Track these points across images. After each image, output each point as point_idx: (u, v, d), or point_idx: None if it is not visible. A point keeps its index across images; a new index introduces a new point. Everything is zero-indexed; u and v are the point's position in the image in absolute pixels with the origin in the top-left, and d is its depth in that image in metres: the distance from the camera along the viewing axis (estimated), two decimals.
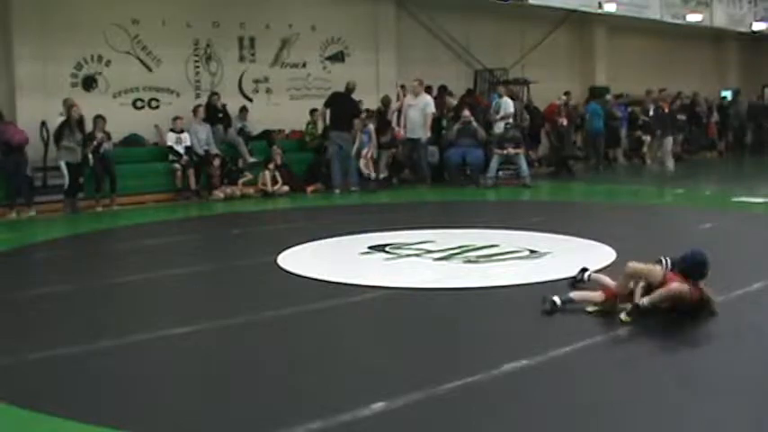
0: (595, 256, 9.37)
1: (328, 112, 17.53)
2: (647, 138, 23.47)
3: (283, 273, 8.93)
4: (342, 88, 17.68)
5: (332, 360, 5.95)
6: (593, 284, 7.38)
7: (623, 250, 9.10)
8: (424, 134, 18.00)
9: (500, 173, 18.24)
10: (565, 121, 21.78)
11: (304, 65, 19.50)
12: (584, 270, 7.37)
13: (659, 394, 5.06)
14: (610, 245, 9.77)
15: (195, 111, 16.80)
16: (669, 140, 21.84)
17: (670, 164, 21.73)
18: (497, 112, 19.24)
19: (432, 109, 18.12)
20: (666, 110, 22.71)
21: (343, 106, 17.29)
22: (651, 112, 22.75)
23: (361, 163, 17.52)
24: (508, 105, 19.29)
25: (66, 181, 14.74)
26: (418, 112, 17.93)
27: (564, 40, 25.39)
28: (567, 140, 22.63)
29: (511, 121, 19.01)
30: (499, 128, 18.78)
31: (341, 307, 7.44)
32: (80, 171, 14.93)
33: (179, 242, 11.84)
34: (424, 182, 18.15)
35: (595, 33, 26.39)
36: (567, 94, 22.83)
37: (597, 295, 7.01)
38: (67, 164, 14.75)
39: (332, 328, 6.84)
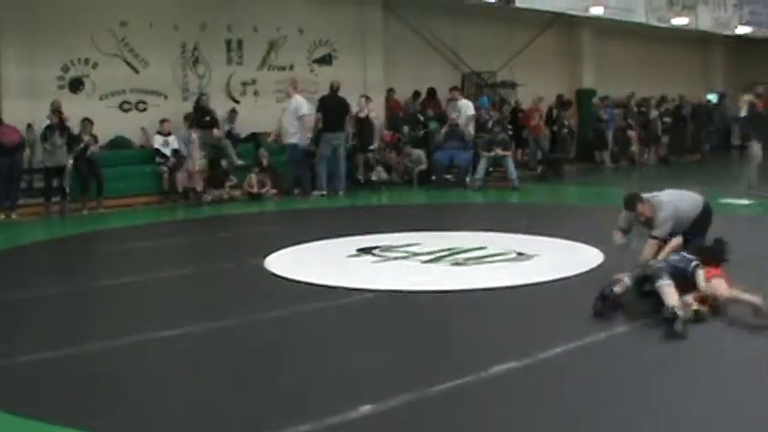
0: (583, 258, 9.41)
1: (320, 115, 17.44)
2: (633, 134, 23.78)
3: (271, 276, 8.91)
4: (339, 91, 17.65)
5: (321, 362, 5.94)
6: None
7: (611, 252, 9.11)
8: (300, 138, 17.02)
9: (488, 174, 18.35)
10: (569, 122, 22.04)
11: (291, 67, 19.48)
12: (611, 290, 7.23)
13: (645, 396, 5.07)
14: (597, 247, 9.77)
15: (186, 118, 16.77)
16: None
17: None
18: (457, 115, 19.01)
19: (304, 111, 16.93)
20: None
21: (335, 107, 17.26)
22: None
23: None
24: (468, 108, 19.00)
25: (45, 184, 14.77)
26: (290, 116, 17.05)
27: (551, 43, 25.44)
28: (562, 143, 22.80)
29: (452, 121, 18.85)
30: (469, 131, 18.73)
31: (329, 309, 7.42)
32: (60, 174, 14.87)
33: (166, 245, 11.80)
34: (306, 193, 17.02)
35: (582, 36, 26.47)
36: (559, 97, 22.98)
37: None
38: (46, 167, 14.74)
39: (320, 331, 6.83)
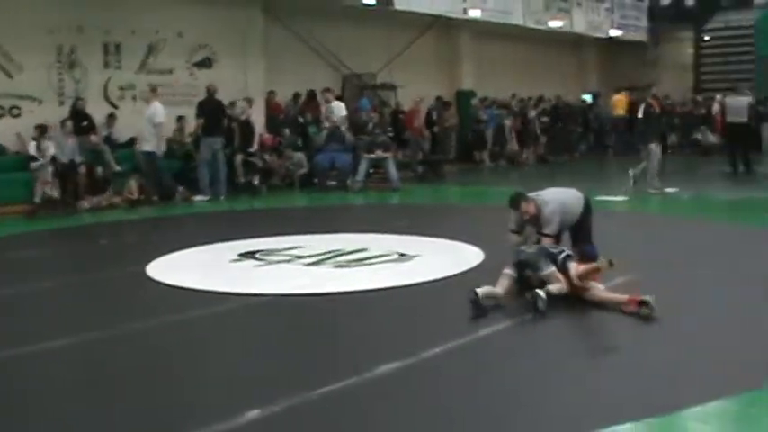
0: (464, 257, 9.59)
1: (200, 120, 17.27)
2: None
3: (153, 283, 8.81)
4: (216, 94, 17.51)
5: (206, 369, 5.93)
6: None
7: (491, 251, 9.31)
8: (155, 146, 16.48)
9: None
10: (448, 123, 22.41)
11: (171, 71, 19.25)
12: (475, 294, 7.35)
13: (520, 392, 5.23)
14: (478, 246, 9.98)
15: (63, 124, 16.40)
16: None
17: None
18: (329, 117, 19.14)
19: (159, 119, 16.44)
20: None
21: (213, 111, 17.12)
22: None
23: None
24: (340, 109, 19.10)
25: None
26: (146, 123, 16.52)
27: (431, 45, 25.71)
28: (442, 143, 23.12)
29: (333, 123, 18.94)
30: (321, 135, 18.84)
31: (213, 315, 7.40)
32: None
33: (43, 255, 11.52)
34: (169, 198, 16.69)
35: (461, 38, 26.80)
36: (438, 99, 23.28)
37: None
38: None
39: (205, 337, 6.80)
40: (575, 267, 7.36)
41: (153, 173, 16.63)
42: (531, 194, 8.63)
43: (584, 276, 7.27)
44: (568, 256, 7.49)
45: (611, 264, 7.13)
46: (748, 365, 5.61)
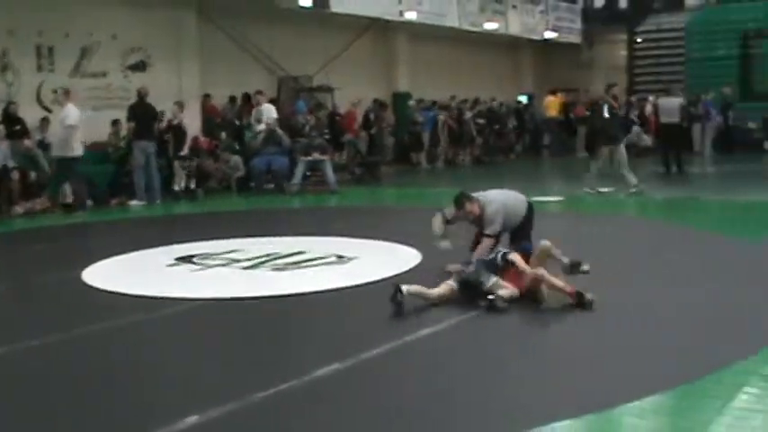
0: (401, 258, 9.65)
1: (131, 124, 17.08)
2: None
3: (90, 288, 8.72)
4: (147, 98, 17.36)
5: (144, 375, 5.89)
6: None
7: (428, 252, 9.38)
8: (68, 150, 15.64)
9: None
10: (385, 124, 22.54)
11: (105, 74, 19.05)
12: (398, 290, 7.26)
13: (461, 395, 5.29)
14: (415, 247, 10.04)
15: None
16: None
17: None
18: (259, 120, 18.99)
19: (70, 121, 15.53)
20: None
21: (144, 115, 16.98)
22: None
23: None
24: (270, 112, 19.00)
25: None
26: (58, 126, 15.92)
27: (367, 47, 25.77)
28: (376, 145, 23.18)
29: (269, 126, 18.83)
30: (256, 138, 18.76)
31: (150, 321, 7.35)
32: None
33: None
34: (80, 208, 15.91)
35: (397, 40, 26.92)
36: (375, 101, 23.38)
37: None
38: None
39: (142, 343, 6.74)
40: (519, 258, 7.51)
41: (70, 178, 16.08)
42: (474, 194, 8.77)
43: (536, 262, 7.49)
44: (506, 252, 7.60)
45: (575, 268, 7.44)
46: (683, 360, 5.74)
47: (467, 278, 7.46)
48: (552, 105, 29.20)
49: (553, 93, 29.62)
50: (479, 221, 8.59)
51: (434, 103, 26.27)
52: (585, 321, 6.86)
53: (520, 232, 8.73)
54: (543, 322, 6.99)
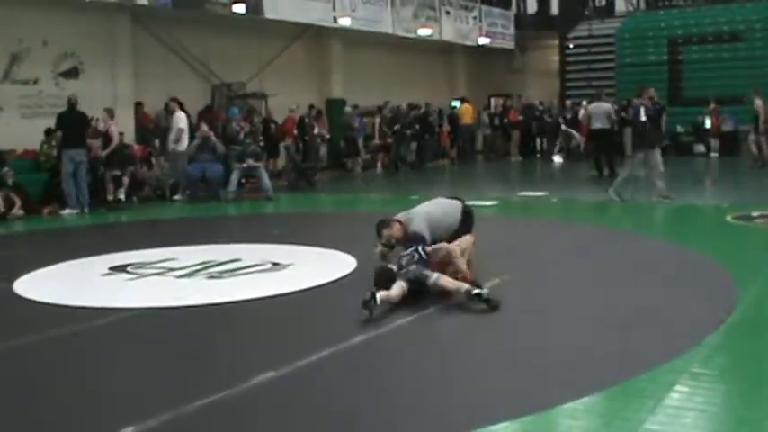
0: (337, 264, 9.67)
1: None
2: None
3: (22, 300, 8.59)
4: (78, 106, 17.13)
5: (78, 387, 5.83)
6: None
7: (363, 258, 9.43)
8: None
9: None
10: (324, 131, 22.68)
11: (36, 81, 18.79)
12: (372, 295, 7.22)
13: (398, 399, 5.34)
14: (350, 253, 10.08)
15: None
16: None
17: None
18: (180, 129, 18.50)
19: None
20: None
21: (74, 122, 16.72)
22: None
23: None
24: (179, 120, 18.53)
25: None
26: None
27: (301, 54, 25.75)
28: (311, 151, 23.19)
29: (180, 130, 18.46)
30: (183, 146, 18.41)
31: (84, 332, 7.26)
32: None
33: None
34: None
35: (332, 47, 26.88)
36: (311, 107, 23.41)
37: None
38: None
39: (76, 355, 6.67)
40: (432, 248, 8.02)
41: None
42: (400, 215, 8.88)
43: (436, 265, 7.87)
44: (417, 247, 7.95)
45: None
46: (614, 361, 5.86)
47: (415, 278, 7.61)
48: (466, 113, 29.52)
49: (463, 100, 29.97)
50: (408, 241, 8.61)
51: (379, 109, 26.39)
52: (520, 324, 6.96)
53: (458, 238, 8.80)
54: (479, 325, 7.05)
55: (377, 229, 8.80)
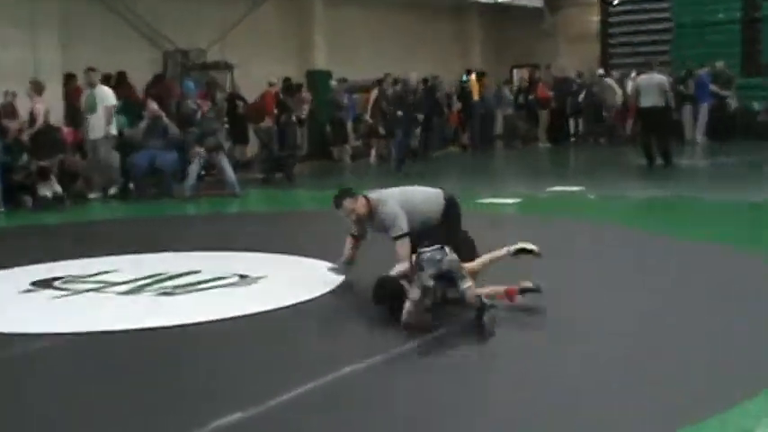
0: (321, 276, 9.59)
1: None
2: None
3: None
4: None
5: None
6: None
7: (352, 269, 9.37)
8: None
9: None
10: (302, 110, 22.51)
11: None
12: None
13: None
14: (336, 263, 9.94)
15: None
16: None
17: None
18: (92, 108, 18.05)
19: None
20: None
21: None
22: None
23: None
24: (106, 98, 18.10)
25: None
26: None
27: (275, 16, 25.69)
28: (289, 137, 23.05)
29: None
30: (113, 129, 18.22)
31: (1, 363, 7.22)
32: None
33: None
34: None
35: (313, 6, 26.90)
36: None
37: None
38: None
39: None
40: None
41: None
42: (371, 194, 9.04)
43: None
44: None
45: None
46: (681, 397, 5.80)
47: (449, 269, 7.58)
48: (474, 88, 29.47)
49: (469, 72, 29.92)
50: (379, 225, 8.87)
51: (380, 81, 26.14)
52: (558, 349, 6.88)
53: (436, 234, 8.73)
54: (498, 352, 6.99)
55: (338, 197, 8.99)
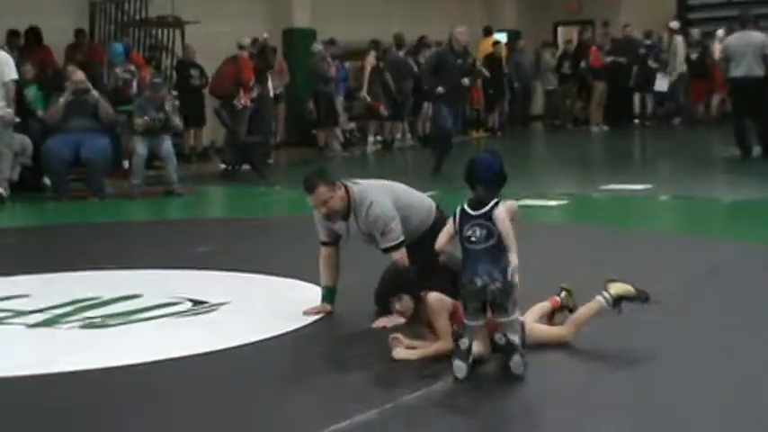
0: (297, 302, 9.56)
1: None
2: None
3: None
4: None
5: None
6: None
7: (340, 290, 9.32)
8: None
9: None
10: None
11: None
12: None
13: None
14: (319, 284, 9.93)
15: None
16: None
17: None
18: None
19: None
20: None
21: None
22: None
23: None
24: (5, 65, 17.84)
25: None
26: None
27: None
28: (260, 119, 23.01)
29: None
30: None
31: None
32: None
33: None
34: None
35: None
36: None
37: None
38: None
39: None
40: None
41: None
42: (352, 185, 9.07)
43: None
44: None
45: None
46: None
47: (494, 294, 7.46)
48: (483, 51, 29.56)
49: (488, 32, 29.99)
50: (364, 229, 8.94)
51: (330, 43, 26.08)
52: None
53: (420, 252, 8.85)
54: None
55: (310, 180, 8.88)
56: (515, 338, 7.40)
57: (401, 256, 8.79)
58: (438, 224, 8.86)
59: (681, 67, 28.22)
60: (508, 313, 7.36)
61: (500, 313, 7.34)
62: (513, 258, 7.24)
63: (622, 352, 7.83)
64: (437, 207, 9.36)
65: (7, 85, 17.65)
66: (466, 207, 7.52)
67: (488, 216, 7.40)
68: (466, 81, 21.57)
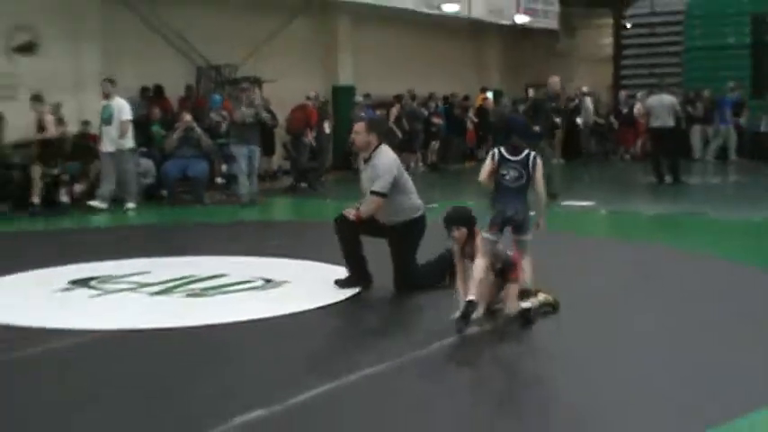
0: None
1: None
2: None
3: None
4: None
5: (28, 420, 5.83)
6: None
7: (373, 274, 9.40)
8: None
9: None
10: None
11: None
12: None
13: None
14: None
15: None
16: None
17: None
18: (108, 120, 17.31)
19: None
20: None
21: None
22: None
23: None
24: (123, 110, 17.40)
25: None
26: None
27: (303, 32, 25.62)
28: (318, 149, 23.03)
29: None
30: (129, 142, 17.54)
31: (38, 357, 7.25)
32: None
33: None
34: None
35: (339, 24, 26.82)
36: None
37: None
38: None
39: (24, 384, 6.62)
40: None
41: None
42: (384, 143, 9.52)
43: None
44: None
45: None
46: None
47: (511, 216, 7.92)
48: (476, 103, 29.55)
49: (483, 90, 29.97)
50: (370, 167, 9.28)
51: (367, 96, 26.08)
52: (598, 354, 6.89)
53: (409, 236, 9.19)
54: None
55: (365, 121, 9.78)
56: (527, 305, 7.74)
57: (376, 204, 9.04)
58: (421, 221, 9.35)
59: (589, 119, 28.54)
60: (526, 234, 7.96)
61: (520, 233, 7.93)
62: (542, 193, 8.20)
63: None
64: (424, 211, 9.50)
65: (124, 123, 17.37)
66: (504, 152, 7.90)
67: (524, 163, 7.84)
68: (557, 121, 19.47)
